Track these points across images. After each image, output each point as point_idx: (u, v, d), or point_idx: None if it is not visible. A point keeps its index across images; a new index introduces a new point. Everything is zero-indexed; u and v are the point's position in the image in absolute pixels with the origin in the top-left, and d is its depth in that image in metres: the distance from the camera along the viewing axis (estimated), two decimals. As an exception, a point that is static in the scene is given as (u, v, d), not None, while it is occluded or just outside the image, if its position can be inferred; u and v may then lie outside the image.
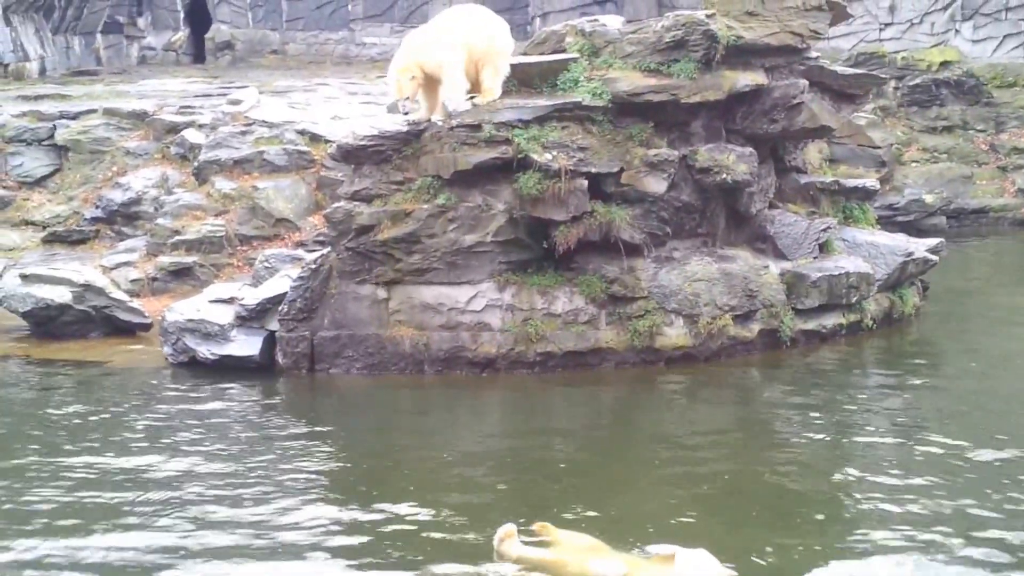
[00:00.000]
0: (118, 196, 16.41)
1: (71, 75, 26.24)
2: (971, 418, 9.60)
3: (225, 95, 18.91)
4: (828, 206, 13.44)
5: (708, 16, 11.71)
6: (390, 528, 7.39)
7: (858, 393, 10.66)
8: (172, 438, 9.41)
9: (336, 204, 11.83)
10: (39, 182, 17.54)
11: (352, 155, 11.73)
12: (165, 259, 14.94)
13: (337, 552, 7.05)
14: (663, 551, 6.51)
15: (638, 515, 7.55)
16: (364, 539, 7.24)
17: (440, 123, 11.33)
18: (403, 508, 7.68)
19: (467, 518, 7.45)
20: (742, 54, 11.91)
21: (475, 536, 7.12)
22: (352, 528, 7.45)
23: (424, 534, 7.26)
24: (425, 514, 7.55)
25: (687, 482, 8.26)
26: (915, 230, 17.73)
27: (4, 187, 17.40)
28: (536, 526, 7.01)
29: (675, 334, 11.51)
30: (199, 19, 31.77)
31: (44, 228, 16.58)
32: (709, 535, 6.99)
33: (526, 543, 6.83)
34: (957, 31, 24.11)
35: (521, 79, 11.79)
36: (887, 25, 24.67)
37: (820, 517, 7.52)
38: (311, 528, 7.41)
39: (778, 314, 11.89)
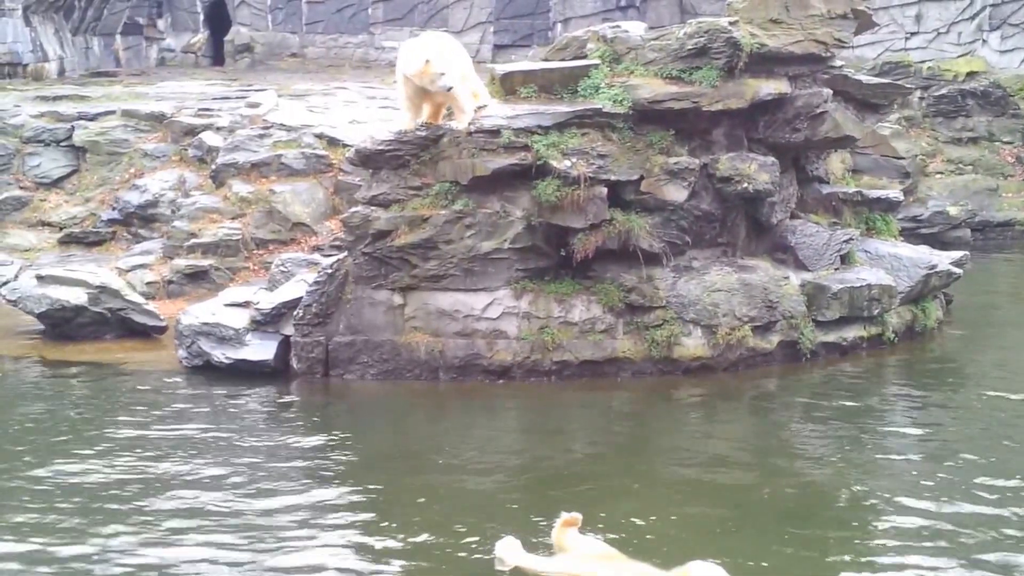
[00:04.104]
0: (135, 198, 16.38)
1: (90, 76, 26.25)
2: (993, 435, 9.44)
3: (244, 98, 18.85)
4: (850, 217, 13.29)
5: (731, 23, 11.58)
6: (398, 534, 7.34)
7: (878, 408, 10.50)
8: (184, 442, 9.35)
9: (353, 209, 11.76)
10: (56, 183, 17.52)
11: (370, 159, 11.65)
12: (181, 262, 14.89)
13: (346, 558, 7.02)
14: (677, 565, 6.39)
15: (652, 527, 7.47)
16: (373, 544, 7.20)
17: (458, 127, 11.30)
18: (412, 515, 7.65)
19: (477, 526, 7.38)
20: (765, 62, 11.76)
21: (484, 544, 7.05)
22: (361, 534, 7.40)
23: (433, 542, 7.21)
24: (435, 522, 7.50)
25: (702, 495, 8.18)
26: (939, 242, 17.53)
27: (21, 187, 17.40)
28: (559, 523, 6.87)
29: (693, 344, 11.39)
30: (219, 21, 31.78)
31: (61, 229, 16.57)
32: (723, 549, 6.91)
33: (529, 551, 6.78)
34: (984, 41, 23.85)
35: (541, 85, 11.70)
36: (913, 34, 24.43)
37: (836, 534, 7.41)
38: (321, 535, 7.37)
39: (798, 326, 11.73)
